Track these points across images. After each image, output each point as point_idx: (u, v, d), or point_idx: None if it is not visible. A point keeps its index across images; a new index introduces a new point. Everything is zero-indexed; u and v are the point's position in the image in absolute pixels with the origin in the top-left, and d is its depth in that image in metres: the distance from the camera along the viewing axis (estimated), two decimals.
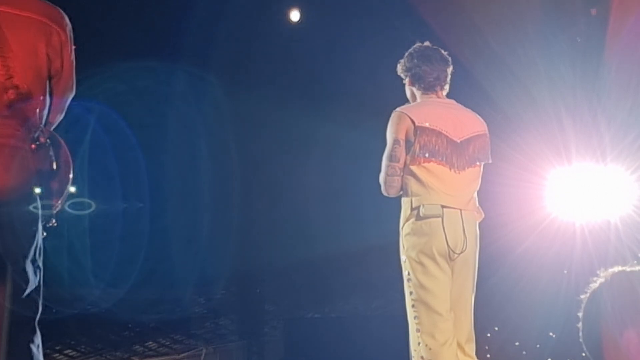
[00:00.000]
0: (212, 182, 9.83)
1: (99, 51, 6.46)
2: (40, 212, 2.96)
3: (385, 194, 4.09)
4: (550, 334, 7.69)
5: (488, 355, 7.32)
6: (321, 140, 8.72)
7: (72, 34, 3.16)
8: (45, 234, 3.03)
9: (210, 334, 15.46)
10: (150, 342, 16.05)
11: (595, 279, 1.88)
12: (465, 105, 4.29)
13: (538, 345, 8.27)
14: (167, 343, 16.22)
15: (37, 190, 2.94)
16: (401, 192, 4.07)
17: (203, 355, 16.14)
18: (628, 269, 1.86)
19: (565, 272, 6.67)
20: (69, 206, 7.97)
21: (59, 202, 3.08)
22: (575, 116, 6.73)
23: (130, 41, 7.48)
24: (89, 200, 9.23)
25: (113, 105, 8.13)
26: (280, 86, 8.45)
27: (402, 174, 4.01)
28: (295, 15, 7.68)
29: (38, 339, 2.89)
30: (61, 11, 3.12)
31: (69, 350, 15.05)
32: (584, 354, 1.90)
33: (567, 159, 6.79)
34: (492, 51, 6.75)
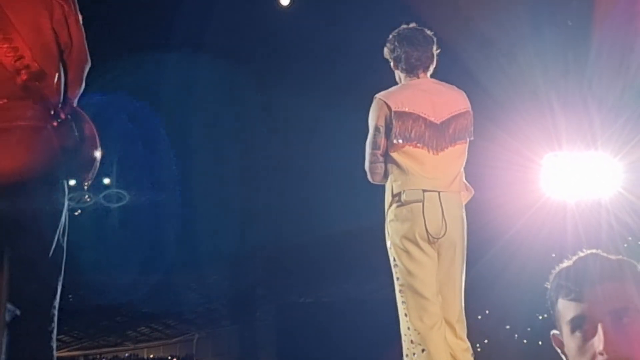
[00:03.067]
0: (204, 169, 9.83)
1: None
2: (66, 191, 2.93)
3: (371, 180, 4.10)
4: (540, 316, 7.72)
5: (478, 338, 7.36)
6: (310, 125, 8.73)
7: (76, 4, 3.09)
8: (80, 210, 2.99)
9: (203, 318, 15.50)
10: (142, 327, 16.09)
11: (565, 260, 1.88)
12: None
13: (529, 329, 8.32)
14: (160, 328, 16.27)
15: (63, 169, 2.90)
16: (384, 179, 4.08)
17: (195, 340, 16.19)
18: (601, 252, 1.85)
19: (554, 255, 6.69)
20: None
21: (89, 176, 3.04)
22: (567, 100, 6.73)
23: (118, 32, 7.47)
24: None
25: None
26: (270, 71, 8.43)
27: (384, 160, 4.03)
28: (285, 0, 7.65)
29: (53, 324, 2.86)
30: None
31: (62, 335, 15.08)
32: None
33: (558, 144, 6.80)
34: (483, 35, 6.75)
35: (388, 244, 4.02)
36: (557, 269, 1.87)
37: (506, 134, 6.49)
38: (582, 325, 1.74)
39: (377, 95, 4.08)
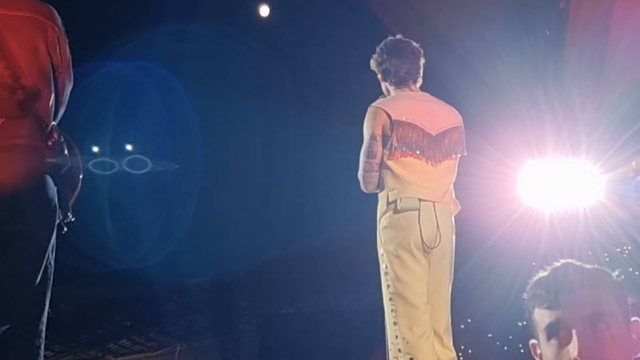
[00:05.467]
0: (183, 179, 9.80)
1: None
2: (57, 210, 2.98)
3: (364, 190, 4.10)
4: (520, 323, 7.74)
5: (462, 347, 7.37)
6: (290, 135, 8.72)
7: (64, 28, 3.20)
8: (65, 229, 3.05)
9: (184, 331, 15.41)
10: (124, 341, 15.97)
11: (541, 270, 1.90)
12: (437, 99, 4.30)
13: (511, 337, 8.33)
14: (141, 341, 16.14)
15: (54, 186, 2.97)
16: (378, 189, 4.08)
17: (177, 352, 16.09)
18: (576, 262, 1.87)
19: (534, 263, 6.72)
20: None
21: (74, 196, 3.13)
22: (546, 109, 6.78)
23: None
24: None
25: None
26: (250, 82, 8.43)
27: (379, 169, 4.03)
28: (264, 11, 7.65)
29: (41, 340, 2.88)
30: (51, 7, 3.17)
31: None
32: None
33: (537, 152, 6.83)
34: (462, 44, 6.78)
35: (380, 251, 4.02)
36: (533, 278, 1.89)
37: (486, 142, 6.52)
38: (558, 332, 1.76)
39: (374, 104, 4.10)
